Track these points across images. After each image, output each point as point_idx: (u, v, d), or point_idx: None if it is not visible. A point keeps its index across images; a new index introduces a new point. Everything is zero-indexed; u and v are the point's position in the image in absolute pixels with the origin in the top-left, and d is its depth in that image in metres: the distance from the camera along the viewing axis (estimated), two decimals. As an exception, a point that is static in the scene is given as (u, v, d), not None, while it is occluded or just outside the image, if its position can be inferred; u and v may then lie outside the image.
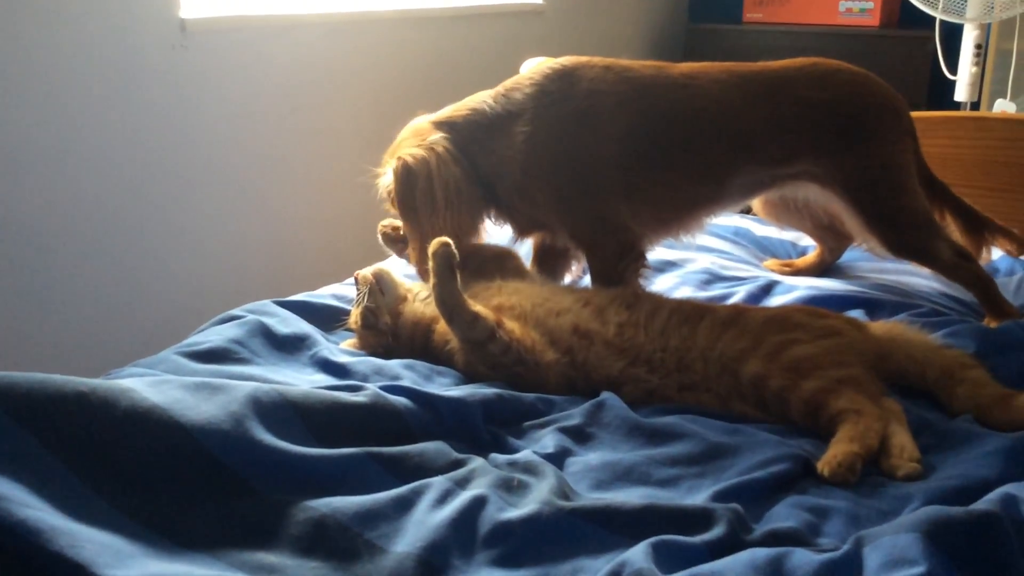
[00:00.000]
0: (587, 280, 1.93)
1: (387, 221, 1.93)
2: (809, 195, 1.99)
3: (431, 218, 1.77)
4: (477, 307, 1.52)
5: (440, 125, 1.83)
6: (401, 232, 1.90)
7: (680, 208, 1.91)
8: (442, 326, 1.59)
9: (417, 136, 1.82)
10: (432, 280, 1.52)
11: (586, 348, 1.55)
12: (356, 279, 1.72)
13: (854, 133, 1.88)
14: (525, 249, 2.03)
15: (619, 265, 1.82)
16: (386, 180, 1.83)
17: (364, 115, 2.77)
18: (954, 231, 2.03)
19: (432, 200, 1.76)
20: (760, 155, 1.88)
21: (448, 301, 1.52)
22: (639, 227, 1.85)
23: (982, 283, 1.95)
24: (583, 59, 1.86)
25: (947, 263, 1.94)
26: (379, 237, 1.94)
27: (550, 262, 1.99)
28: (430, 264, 1.51)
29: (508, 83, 1.86)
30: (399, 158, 1.79)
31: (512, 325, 1.54)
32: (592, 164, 1.80)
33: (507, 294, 1.63)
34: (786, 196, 2.06)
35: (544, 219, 1.86)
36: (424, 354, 1.63)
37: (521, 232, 1.92)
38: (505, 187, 1.82)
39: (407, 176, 1.77)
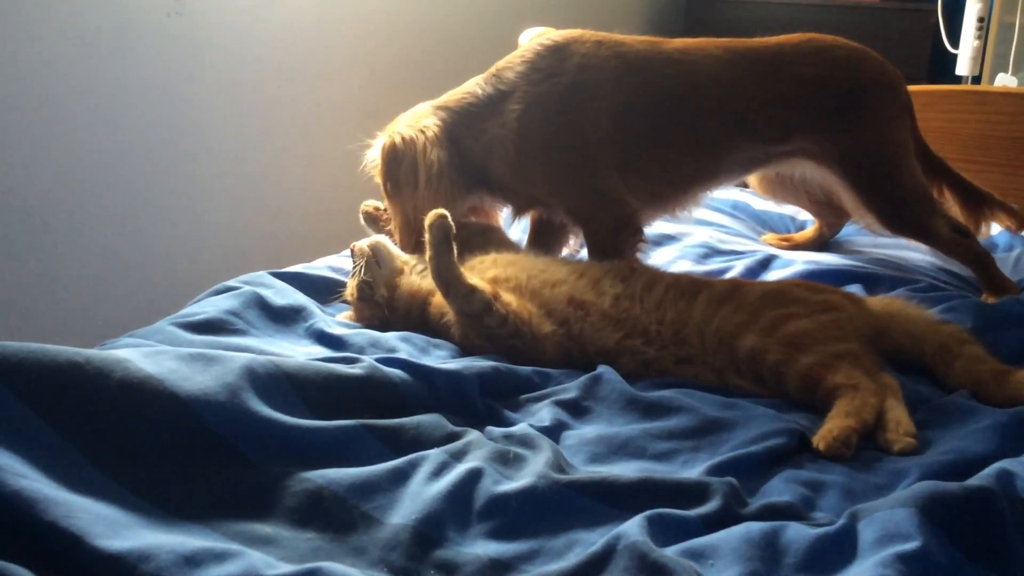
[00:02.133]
0: (583, 254, 1.93)
1: (369, 202, 1.96)
2: (805, 172, 1.99)
3: (412, 197, 1.79)
4: (473, 280, 1.52)
5: (439, 109, 1.85)
6: (383, 214, 1.92)
7: (675, 184, 1.90)
8: (438, 298, 1.59)
9: (414, 117, 1.84)
10: (428, 252, 1.51)
11: (582, 319, 1.55)
12: (352, 251, 1.72)
13: (849, 110, 1.88)
14: (523, 225, 2.03)
15: (617, 239, 1.82)
16: (372, 154, 1.86)
17: (361, 84, 2.75)
18: (953, 207, 2.03)
19: (414, 180, 1.78)
20: (755, 132, 1.88)
21: (444, 274, 1.51)
22: (635, 202, 1.85)
23: (980, 259, 1.95)
24: (575, 33, 1.85)
25: (944, 239, 1.94)
26: (360, 217, 1.95)
27: (546, 237, 1.98)
28: (426, 236, 1.51)
29: (500, 64, 1.85)
30: (389, 136, 1.81)
31: (508, 297, 1.53)
32: (586, 139, 1.79)
33: (502, 266, 1.63)
34: (783, 173, 2.05)
35: (540, 196, 1.86)
36: (420, 326, 1.63)
37: (519, 210, 1.92)
38: (498, 167, 1.82)
39: (393, 154, 1.79)
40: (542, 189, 1.84)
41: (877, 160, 1.90)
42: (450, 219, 1.50)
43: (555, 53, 1.81)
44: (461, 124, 1.83)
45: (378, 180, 1.87)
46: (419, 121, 1.82)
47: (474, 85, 1.85)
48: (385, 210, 1.90)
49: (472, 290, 1.51)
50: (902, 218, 1.93)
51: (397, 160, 1.79)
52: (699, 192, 1.96)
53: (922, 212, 1.92)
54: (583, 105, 1.79)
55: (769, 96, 1.85)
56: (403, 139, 1.79)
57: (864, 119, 1.88)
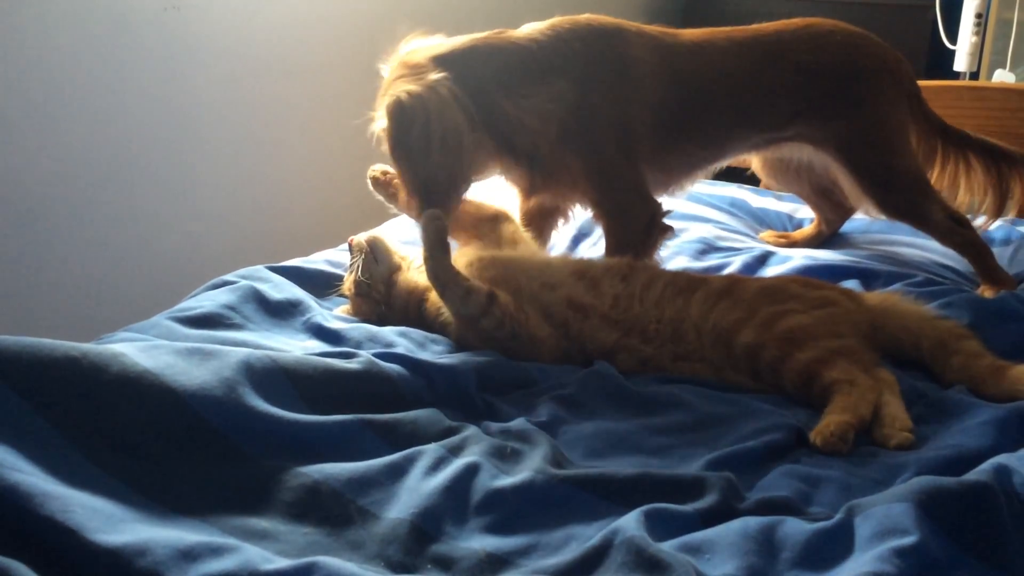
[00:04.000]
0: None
1: (378, 166, 1.85)
2: (804, 156, 2.00)
3: (425, 163, 1.67)
4: (470, 281, 1.51)
5: (441, 61, 1.69)
6: (394, 178, 1.81)
7: (681, 172, 1.93)
8: (435, 296, 1.59)
9: (412, 71, 1.69)
10: (424, 254, 1.51)
11: (581, 321, 1.55)
12: (350, 245, 1.71)
13: (848, 94, 1.89)
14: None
15: (649, 237, 1.81)
16: (379, 124, 1.72)
17: (358, 79, 2.74)
18: (981, 175, 2.01)
19: (428, 144, 1.65)
20: (758, 120, 1.90)
21: (441, 276, 1.50)
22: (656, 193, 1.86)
23: (976, 249, 1.95)
24: (620, 22, 1.83)
25: (940, 226, 1.94)
26: (368, 182, 1.84)
27: (535, 222, 1.93)
28: (421, 236, 1.50)
29: (551, 26, 1.75)
30: (393, 95, 1.65)
31: (505, 299, 1.52)
32: (631, 131, 1.78)
33: (500, 267, 1.61)
34: (783, 157, 2.07)
35: (566, 182, 1.80)
36: (418, 323, 1.63)
37: (531, 192, 1.84)
38: (530, 140, 1.72)
39: (400, 115, 1.64)
40: (577, 178, 1.78)
41: (874, 144, 1.91)
42: (444, 220, 1.49)
43: (612, 39, 1.79)
44: (490, 75, 1.69)
45: (385, 149, 1.74)
46: (421, 76, 1.67)
47: (519, 38, 1.73)
48: (396, 176, 1.80)
49: (468, 292, 1.50)
50: (898, 203, 1.94)
51: (406, 121, 1.64)
52: (698, 177, 1.99)
53: (918, 198, 1.93)
54: (632, 96, 1.78)
55: (770, 84, 1.87)
56: (409, 96, 1.63)
57: (862, 103, 1.90)
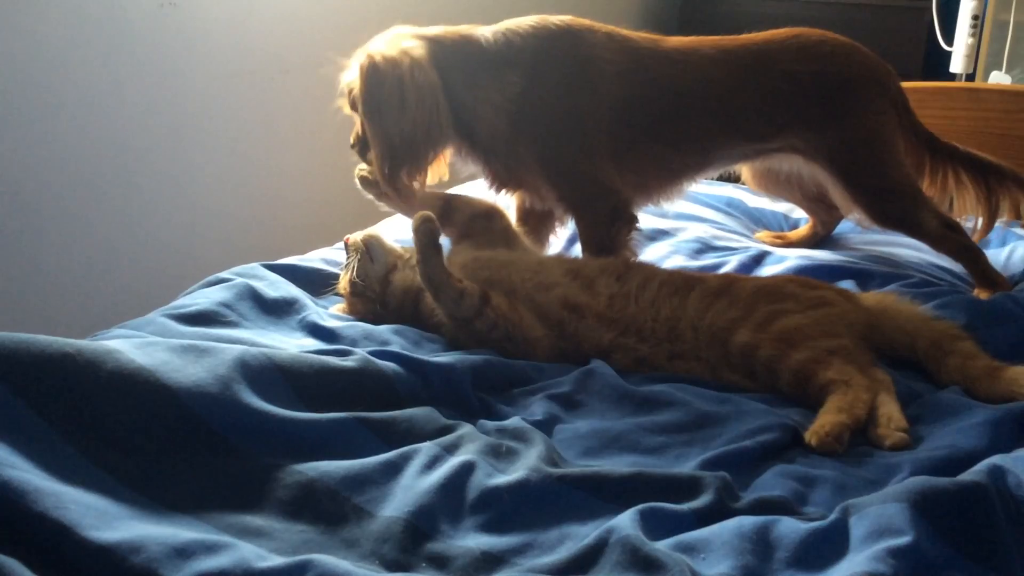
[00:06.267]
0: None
1: (365, 165, 1.86)
2: (794, 167, 2.00)
3: (398, 121, 1.69)
4: (464, 283, 1.50)
5: (426, 39, 1.75)
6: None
7: (663, 178, 1.92)
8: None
9: (393, 39, 1.74)
10: (416, 256, 1.50)
11: (576, 321, 1.54)
12: (346, 244, 1.71)
13: (837, 106, 1.89)
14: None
15: (611, 229, 1.81)
16: (349, 76, 1.76)
17: (355, 78, 2.74)
18: (971, 189, 2.01)
19: (401, 102, 1.68)
20: (745, 130, 1.89)
21: (434, 278, 1.50)
22: (626, 191, 1.85)
23: (970, 253, 1.96)
24: (586, 22, 1.84)
25: (933, 233, 1.94)
26: (356, 182, 1.85)
27: (532, 223, 1.95)
28: (413, 238, 1.49)
29: (510, 24, 1.80)
30: (368, 55, 1.69)
31: (499, 301, 1.52)
32: (585, 128, 1.78)
33: (495, 268, 1.61)
34: (772, 168, 2.07)
35: (526, 177, 1.83)
36: (413, 321, 1.62)
37: (497, 183, 1.87)
38: (487, 131, 1.77)
39: (374, 74, 1.68)
40: (530, 170, 1.81)
41: (864, 155, 1.91)
42: (436, 222, 1.49)
43: (568, 38, 1.80)
44: (454, 64, 1.74)
45: (348, 111, 1.78)
46: (399, 43, 1.72)
47: (479, 33, 1.78)
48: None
49: (462, 294, 1.49)
50: (889, 212, 1.95)
51: (379, 80, 1.67)
52: (685, 184, 1.98)
53: (910, 206, 1.93)
54: (589, 95, 1.78)
55: (758, 95, 1.86)
56: (384, 58, 1.68)
57: (851, 115, 1.89)
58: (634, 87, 1.81)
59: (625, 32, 1.86)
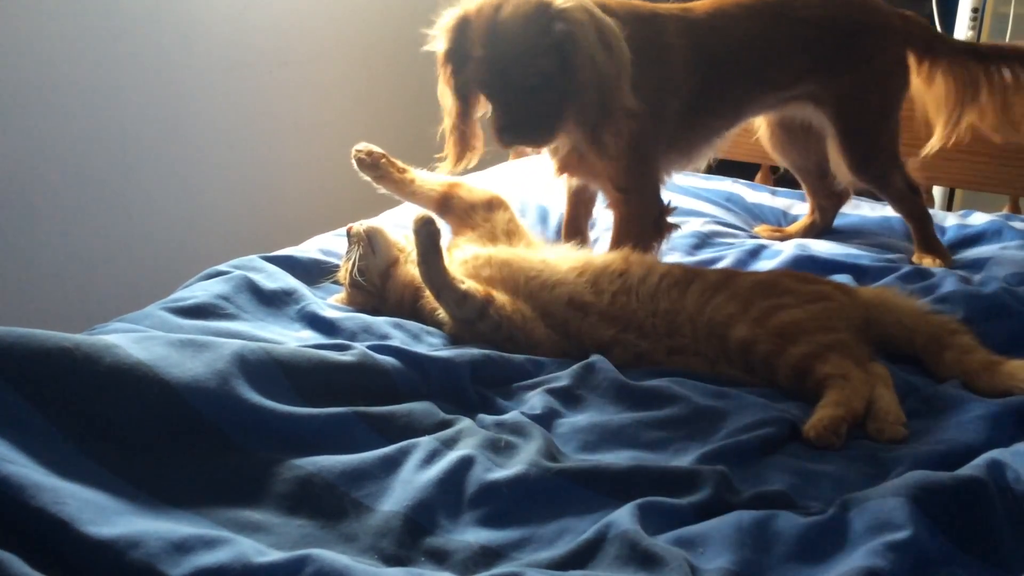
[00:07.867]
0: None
1: (362, 145, 1.77)
2: (807, 116, 2.05)
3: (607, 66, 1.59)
4: (467, 284, 1.49)
5: None
6: (381, 158, 1.76)
7: (694, 148, 1.96)
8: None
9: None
10: (417, 259, 1.49)
11: (580, 319, 1.54)
12: (349, 232, 1.69)
13: (854, 51, 1.95)
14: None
15: (658, 222, 1.84)
16: (440, 45, 1.68)
17: (353, 68, 2.74)
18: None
19: (607, 47, 1.59)
20: (770, 83, 1.95)
21: (436, 280, 1.49)
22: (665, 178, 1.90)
23: (922, 216, 2.08)
24: (657, 7, 1.84)
25: (897, 192, 2.06)
26: (353, 163, 1.77)
27: (579, 209, 2.00)
28: (412, 239, 1.48)
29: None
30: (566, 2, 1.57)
31: (502, 300, 1.51)
32: (663, 122, 1.81)
33: (497, 266, 1.59)
34: (788, 117, 2.11)
35: (597, 166, 1.77)
36: (412, 316, 1.61)
37: (565, 168, 1.83)
38: (604, 98, 1.64)
39: (591, 18, 1.60)
40: (615, 163, 1.75)
41: (869, 104, 1.99)
42: (437, 223, 1.48)
43: (648, 24, 1.78)
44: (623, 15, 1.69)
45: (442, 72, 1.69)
46: None
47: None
48: (383, 155, 1.76)
49: (465, 296, 1.48)
50: (869, 165, 2.03)
51: (599, 26, 1.59)
52: (717, 144, 2.01)
53: (888, 164, 2.03)
54: (665, 85, 1.79)
55: (781, 45, 1.92)
56: (581, 6, 1.60)
57: (867, 59, 1.96)
58: (692, 68, 1.81)
59: (673, 8, 1.85)
